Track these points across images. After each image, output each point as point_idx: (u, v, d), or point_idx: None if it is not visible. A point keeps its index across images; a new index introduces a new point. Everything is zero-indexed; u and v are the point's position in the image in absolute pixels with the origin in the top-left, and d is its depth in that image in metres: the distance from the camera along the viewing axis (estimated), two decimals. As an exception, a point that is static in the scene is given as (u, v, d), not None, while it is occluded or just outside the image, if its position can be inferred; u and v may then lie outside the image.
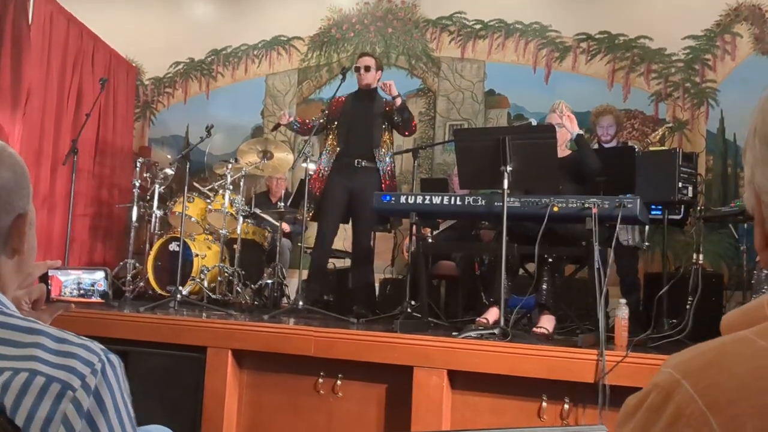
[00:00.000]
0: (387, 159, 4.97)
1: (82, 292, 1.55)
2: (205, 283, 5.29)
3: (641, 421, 0.67)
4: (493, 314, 3.78)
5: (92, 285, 1.56)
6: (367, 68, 5.04)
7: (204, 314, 4.30)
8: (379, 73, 5.11)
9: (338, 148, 4.98)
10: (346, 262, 6.36)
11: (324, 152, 5.08)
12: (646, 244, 5.11)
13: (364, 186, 4.80)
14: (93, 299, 1.57)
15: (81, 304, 1.58)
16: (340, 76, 4.87)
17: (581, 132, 4.27)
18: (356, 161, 4.88)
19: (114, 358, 1.00)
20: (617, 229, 3.55)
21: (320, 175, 5.00)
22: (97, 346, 0.99)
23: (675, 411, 0.64)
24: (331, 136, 5.06)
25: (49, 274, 1.52)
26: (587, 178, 4.18)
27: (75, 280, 1.55)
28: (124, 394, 1.00)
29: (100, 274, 1.57)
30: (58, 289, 1.53)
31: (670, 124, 6.38)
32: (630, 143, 6.05)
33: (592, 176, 4.18)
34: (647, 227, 4.92)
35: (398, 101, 4.84)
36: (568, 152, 4.38)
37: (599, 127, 5.44)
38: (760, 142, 0.75)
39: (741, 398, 0.62)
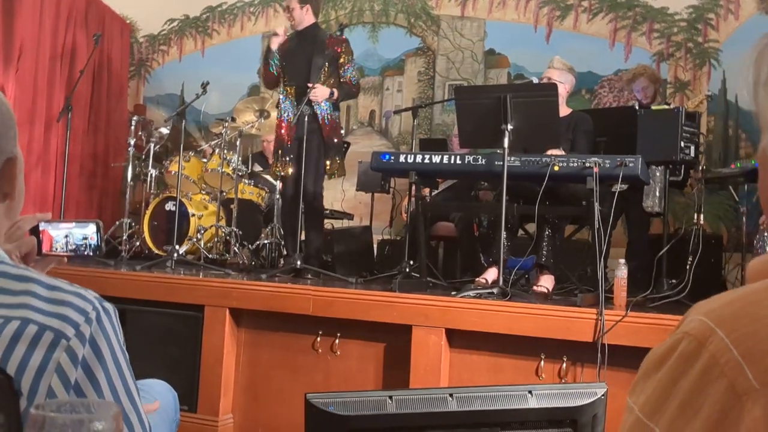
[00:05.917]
0: (324, 103, 4.61)
1: (73, 246, 1.51)
2: (202, 243, 5.26)
3: (671, 370, 0.63)
4: (492, 274, 3.77)
5: (84, 239, 1.52)
6: (288, 8, 4.72)
7: (201, 273, 4.28)
8: (307, 8, 4.71)
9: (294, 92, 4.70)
10: (345, 223, 6.35)
11: (281, 97, 4.79)
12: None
13: (309, 133, 4.47)
14: (85, 253, 1.53)
15: (73, 258, 1.54)
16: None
17: None
18: (303, 108, 4.47)
19: (108, 305, 0.98)
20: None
21: (288, 123, 4.68)
22: (90, 294, 0.96)
23: (709, 360, 0.60)
24: (284, 81, 4.80)
25: (40, 227, 1.48)
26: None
27: (66, 234, 1.51)
28: (120, 341, 0.98)
29: (91, 228, 1.52)
30: (49, 243, 1.48)
31: (709, 94, 6.13)
32: (630, 104, 5.97)
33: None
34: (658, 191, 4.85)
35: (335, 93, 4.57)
36: (568, 111, 4.32)
37: (635, 92, 5.28)
38: None
39: None
